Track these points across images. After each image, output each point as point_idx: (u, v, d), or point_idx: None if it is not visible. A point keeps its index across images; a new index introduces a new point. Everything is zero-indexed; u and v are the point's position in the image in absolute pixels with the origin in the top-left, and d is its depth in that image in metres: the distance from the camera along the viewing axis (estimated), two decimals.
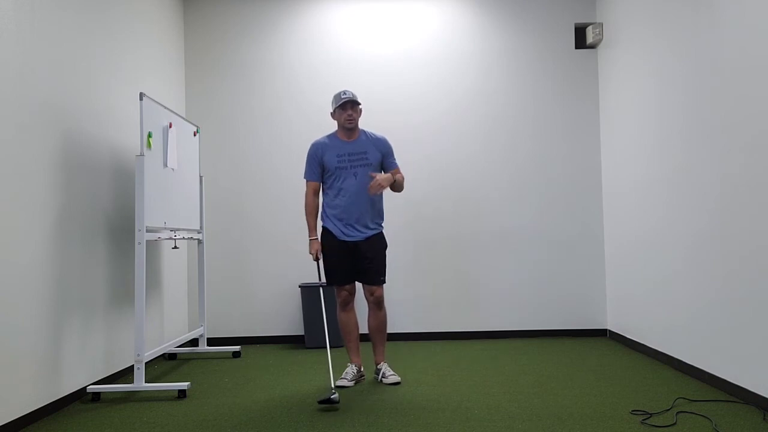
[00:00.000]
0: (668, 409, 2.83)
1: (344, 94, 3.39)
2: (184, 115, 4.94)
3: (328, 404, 3.00)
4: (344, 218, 3.40)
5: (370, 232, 3.44)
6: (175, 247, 4.17)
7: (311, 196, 3.47)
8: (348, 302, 3.51)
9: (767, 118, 2.74)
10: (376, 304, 3.46)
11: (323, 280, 3.50)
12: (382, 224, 3.53)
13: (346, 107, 3.39)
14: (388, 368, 3.52)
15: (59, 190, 3.13)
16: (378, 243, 3.46)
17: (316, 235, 3.46)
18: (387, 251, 3.55)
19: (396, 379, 3.44)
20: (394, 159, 3.54)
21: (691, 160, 3.44)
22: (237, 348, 4.43)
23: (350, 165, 3.40)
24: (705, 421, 2.65)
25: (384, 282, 3.47)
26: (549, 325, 4.90)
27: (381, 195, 3.49)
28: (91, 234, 3.44)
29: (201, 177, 4.45)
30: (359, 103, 3.42)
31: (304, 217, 4.93)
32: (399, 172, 3.50)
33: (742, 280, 2.97)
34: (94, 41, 3.56)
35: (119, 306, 3.76)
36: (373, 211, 3.45)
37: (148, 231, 3.40)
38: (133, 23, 4.07)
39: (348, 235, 3.40)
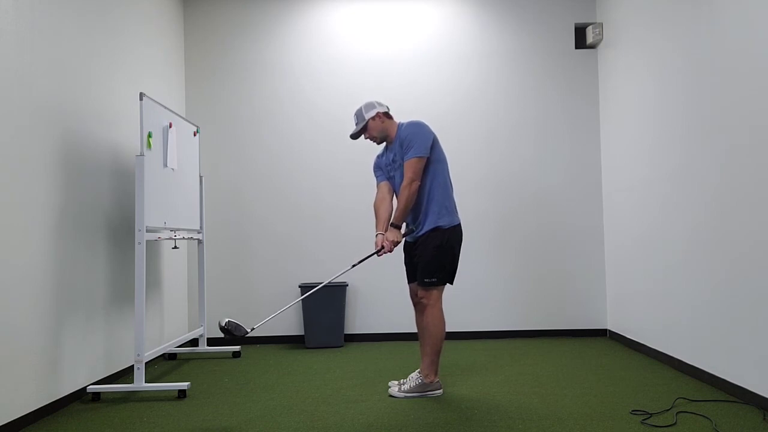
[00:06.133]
0: (668, 409, 2.83)
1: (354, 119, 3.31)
2: (184, 115, 4.94)
3: (224, 332, 2.97)
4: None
5: (419, 233, 3.19)
6: (175, 247, 4.17)
7: (377, 194, 3.35)
8: (414, 303, 3.32)
9: (767, 118, 2.74)
10: (421, 306, 3.20)
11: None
12: (437, 223, 3.13)
13: (362, 136, 3.31)
14: (410, 381, 3.17)
15: (59, 190, 3.13)
16: (425, 242, 3.15)
17: (380, 230, 3.22)
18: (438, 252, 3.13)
19: (395, 393, 3.17)
20: (410, 151, 3.11)
21: (690, 160, 3.44)
22: (237, 348, 4.43)
23: (392, 172, 3.29)
24: (705, 421, 2.65)
25: (427, 284, 3.12)
26: (549, 325, 4.90)
27: (426, 195, 3.16)
28: (91, 234, 3.44)
29: (201, 177, 4.45)
30: (362, 131, 3.27)
31: (303, 218, 4.96)
32: (408, 169, 3.11)
33: (742, 280, 2.97)
34: (94, 41, 3.56)
35: (119, 306, 3.76)
36: (415, 213, 3.21)
37: (148, 231, 3.40)
38: (133, 23, 4.07)
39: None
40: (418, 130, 3.17)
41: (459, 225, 3.22)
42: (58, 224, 3.11)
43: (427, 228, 3.16)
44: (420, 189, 3.16)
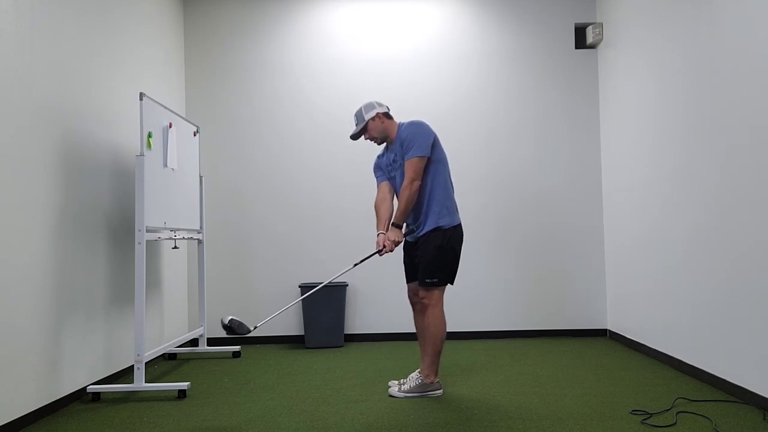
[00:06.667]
0: (668, 409, 2.83)
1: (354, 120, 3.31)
2: (184, 115, 4.94)
3: (227, 329, 2.97)
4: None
5: (419, 233, 3.17)
6: (175, 247, 4.17)
7: (378, 194, 3.34)
8: (412, 303, 3.35)
9: (766, 118, 2.74)
10: (422, 307, 3.20)
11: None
12: (438, 223, 3.12)
13: (362, 137, 3.32)
14: (411, 381, 3.17)
15: (59, 190, 3.13)
16: (425, 242, 3.14)
17: (381, 229, 3.21)
18: (442, 252, 3.11)
19: (395, 393, 3.16)
20: (411, 150, 3.10)
21: (690, 160, 3.44)
22: (237, 348, 4.43)
23: (393, 172, 3.28)
24: (705, 421, 2.65)
25: (429, 284, 3.10)
26: (549, 325, 4.90)
27: (427, 194, 3.15)
28: (91, 234, 3.44)
29: (201, 177, 4.45)
30: (362, 131, 3.27)
31: (303, 218, 4.97)
32: (409, 168, 3.10)
33: (741, 280, 2.97)
34: (94, 41, 3.56)
35: (119, 306, 3.76)
36: (416, 213, 3.19)
37: (148, 231, 3.40)
38: (133, 23, 4.07)
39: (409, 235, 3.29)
40: (419, 129, 3.16)
41: (460, 225, 3.21)
42: (58, 224, 3.11)
43: (428, 228, 3.15)
44: (421, 189, 3.16)
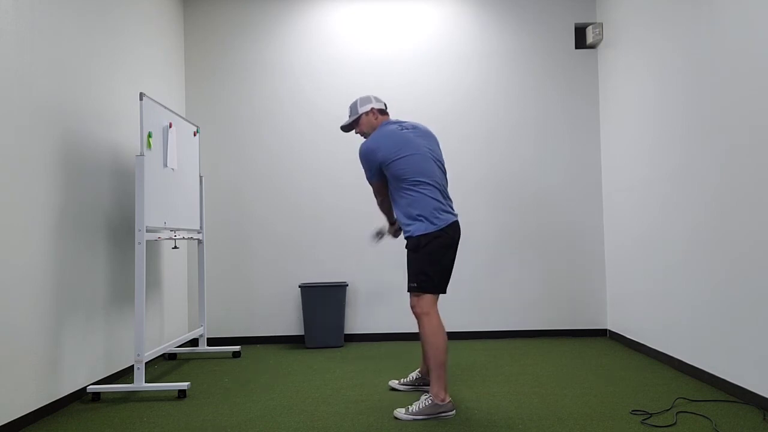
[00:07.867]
0: (668, 409, 2.83)
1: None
2: (184, 115, 4.94)
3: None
4: None
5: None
6: (175, 247, 4.17)
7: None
8: None
9: (766, 118, 2.74)
10: (415, 315, 2.94)
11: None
12: (408, 231, 2.93)
13: (354, 130, 3.30)
14: (420, 402, 2.83)
15: (59, 190, 3.13)
16: (407, 247, 2.99)
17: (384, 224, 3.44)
18: (419, 257, 2.91)
19: (402, 416, 2.79)
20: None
21: (690, 160, 3.44)
22: (237, 348, 4.43)
23: None
24: (705, 421, 2.65)
25: (411, 288, 2.92)
26: (549, 325, 4.90)
27: (398, 198, 2.99)
28: (91, 234, 3.44)
29: (201, 177, 4.45)
30: (354, 124, 3.20)
31: (303, 218, 4.97)
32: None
33: (741, 280, 2.97)
34: (94, 41, 3.56)
35: (119, 306, 3.76)
36: (398, 215, 3.04)
37: (148, 231, 3.40)
38: (133, 23, 4.07)
39: None
40: (362, 158, 3.03)
41: (437, 231, 2.87)
42: (58, 224, 3.11)
43: (406, 234, 2.98)
44: (392, 200, 3.06)
